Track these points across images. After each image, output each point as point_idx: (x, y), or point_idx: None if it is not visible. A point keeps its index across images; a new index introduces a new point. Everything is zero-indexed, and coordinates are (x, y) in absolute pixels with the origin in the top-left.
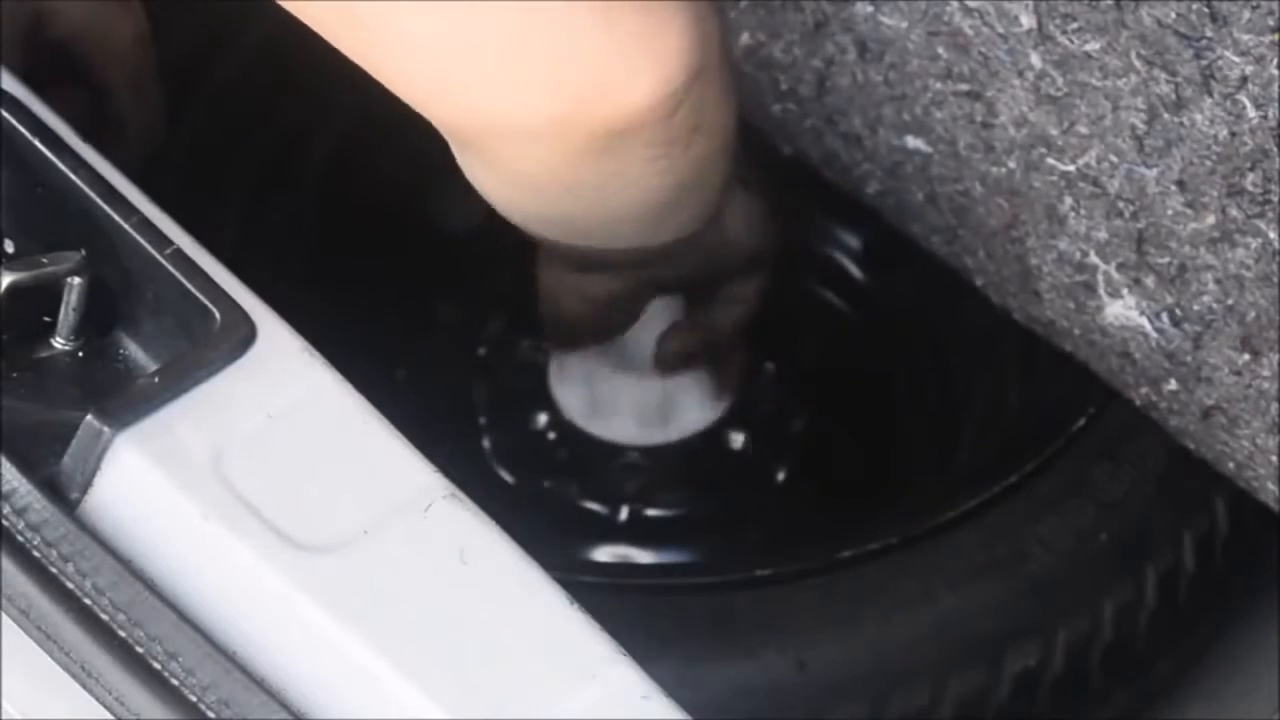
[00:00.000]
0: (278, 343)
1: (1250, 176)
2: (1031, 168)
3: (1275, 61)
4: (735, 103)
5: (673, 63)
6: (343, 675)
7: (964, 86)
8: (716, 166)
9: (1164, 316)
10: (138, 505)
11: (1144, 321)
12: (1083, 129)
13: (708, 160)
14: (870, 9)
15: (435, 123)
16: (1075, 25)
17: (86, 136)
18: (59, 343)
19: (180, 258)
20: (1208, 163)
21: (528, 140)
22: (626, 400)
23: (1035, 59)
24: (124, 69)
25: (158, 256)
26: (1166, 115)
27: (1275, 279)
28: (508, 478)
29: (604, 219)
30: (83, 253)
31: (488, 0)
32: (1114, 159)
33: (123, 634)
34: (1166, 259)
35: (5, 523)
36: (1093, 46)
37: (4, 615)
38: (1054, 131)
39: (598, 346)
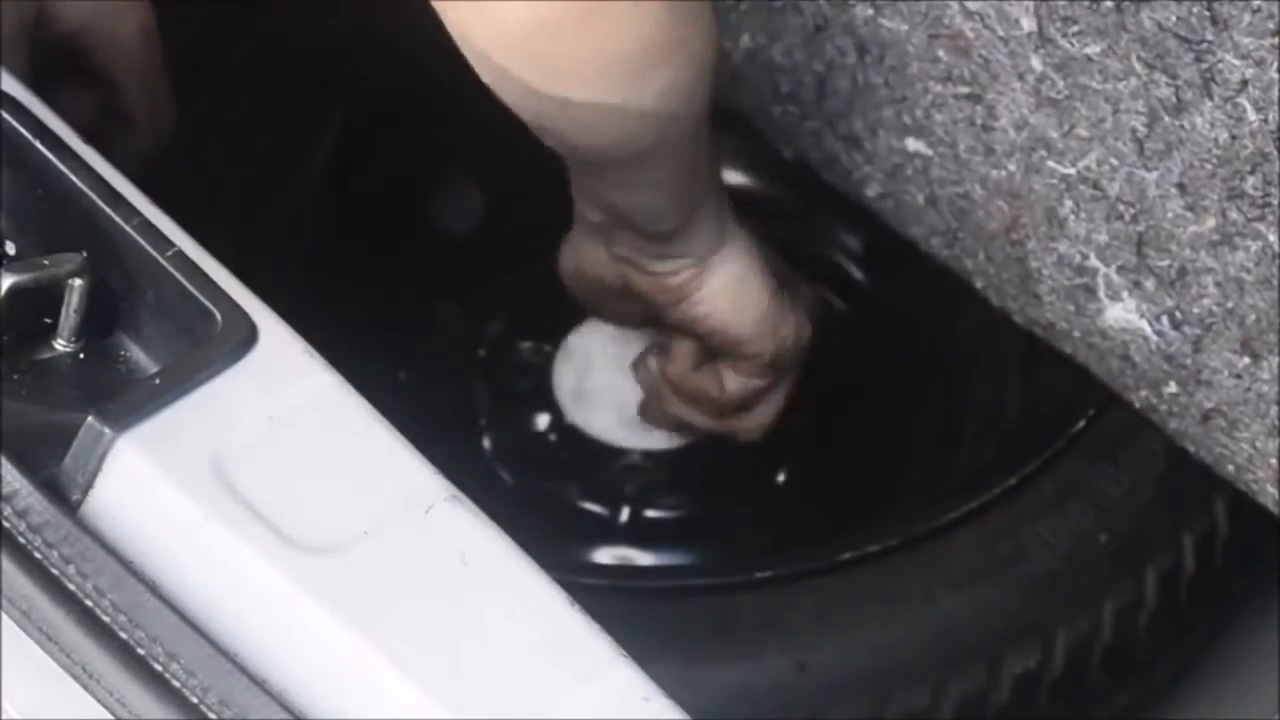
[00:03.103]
0: (279, 344)
1: (1250, 180)
2: (1032, 170)
3: (1275, 65)
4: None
5: None
6: (343, 676)
7: (964, 89)
8: (694, 43)
9: (1164, 319)
10: (139, 507)
11: (1144, 324)
12: (1083, 132)
13: (681, 21)
14: (871, 12)
15: None
16: (1076, 28)
17: (95, 133)
18: (60, 344)
19: (181, 259)
20: (1208, 166)
21: None
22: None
23: (1036, 62)
24: (131, 62)
25: (159, 258)
26: (1167, 118)
27: (1275, 282)
28: (508, 479)
29: (581, 48)
30: (84, 254)
31: None
32: (1114, 162)
33: (124, 635)
34: (1166, 262)
35: (6, 524)
36: (1093, 49)
37: (5, 616)
38: (1054, 134)
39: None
